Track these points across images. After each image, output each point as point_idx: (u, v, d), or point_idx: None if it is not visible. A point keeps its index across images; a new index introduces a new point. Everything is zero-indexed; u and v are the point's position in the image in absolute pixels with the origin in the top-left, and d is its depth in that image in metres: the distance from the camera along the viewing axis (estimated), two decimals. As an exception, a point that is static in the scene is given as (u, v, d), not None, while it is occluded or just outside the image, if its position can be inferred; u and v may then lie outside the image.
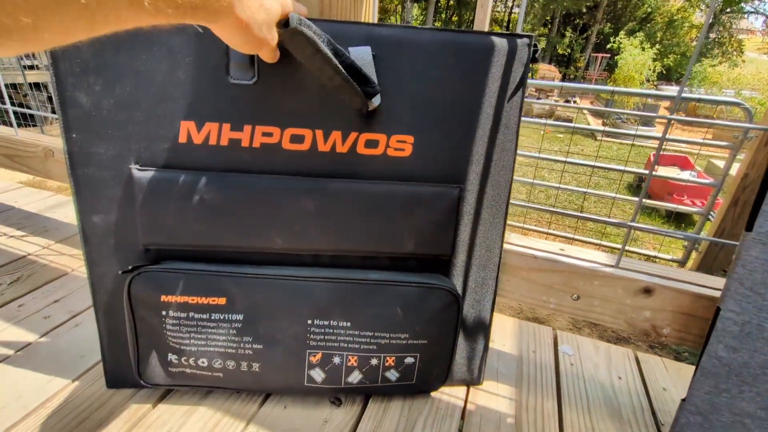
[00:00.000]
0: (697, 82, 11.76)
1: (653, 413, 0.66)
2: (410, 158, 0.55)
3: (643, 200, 0.66)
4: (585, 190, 2.95)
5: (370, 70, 0.51)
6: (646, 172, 1.58)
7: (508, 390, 0.68)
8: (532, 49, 0.53)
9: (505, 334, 0.81)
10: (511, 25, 23.48)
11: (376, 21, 0.60)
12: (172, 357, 0.58)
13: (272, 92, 0.52)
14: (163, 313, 0.55)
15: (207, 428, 0.59)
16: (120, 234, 0.55)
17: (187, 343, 0.57)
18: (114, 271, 0.57)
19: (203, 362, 0.58)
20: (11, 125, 1.03)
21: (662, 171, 4.51)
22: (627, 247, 0.63)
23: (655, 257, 2.95)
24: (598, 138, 7.15)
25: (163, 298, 0.54)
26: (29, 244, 1.01)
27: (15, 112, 1.05)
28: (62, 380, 0.65)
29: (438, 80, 0.53)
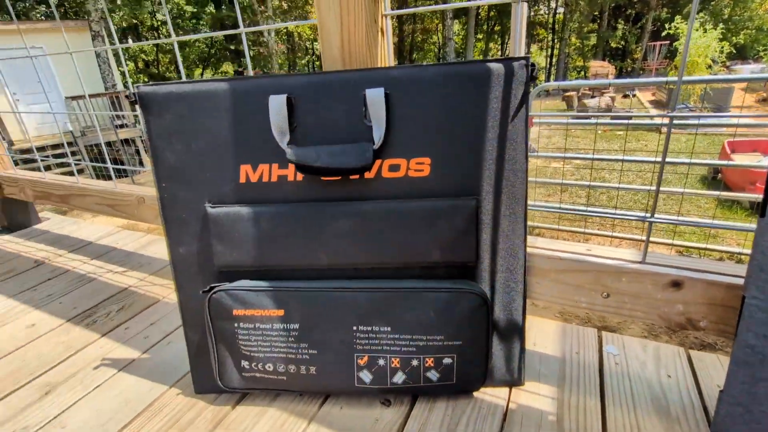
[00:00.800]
0: (778, 57, 10.50)
1: (705, 410, 0.64)
2: (429, 177, 0.62)
3: (720, 193, 0.67)
4: (649, 188, 2.77)
5: (380, 108, 0.60)
6: (714, 162, 1.48)
7: (550, 390, 0.71)
8: (529, 69, 0.59)
9: (546, 336, 0.83)
10: (556, 25, 22.79)
11: (391, 63, 0.69)
12: (244, 363, 0.69)
13: (309, 134, 0.62)
14: (236, 324, 0.66)
15: (276, 426, 0.68)
16: (200, 261, 0.68)
17: (256, 350, 0.67)
18: (197, 292, 0.69)
19: (269, 367, 0.68)
20: (110, 178, 1.26)
21: (741, 159, 4.08)
22: (707, 245, 0.64)
23: (740, 254, 2.67)
24: (662, 131, 6.65)
25: (235, 311, 0.66)
26: (129, 278, 1.22)
27: (113, 168, 1.28)
28: (160, 388, 0.78)
29: (446, 107, 0.60)
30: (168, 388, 0.78)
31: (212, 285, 0.67)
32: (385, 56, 0.68)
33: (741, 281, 0.56)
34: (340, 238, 0.65)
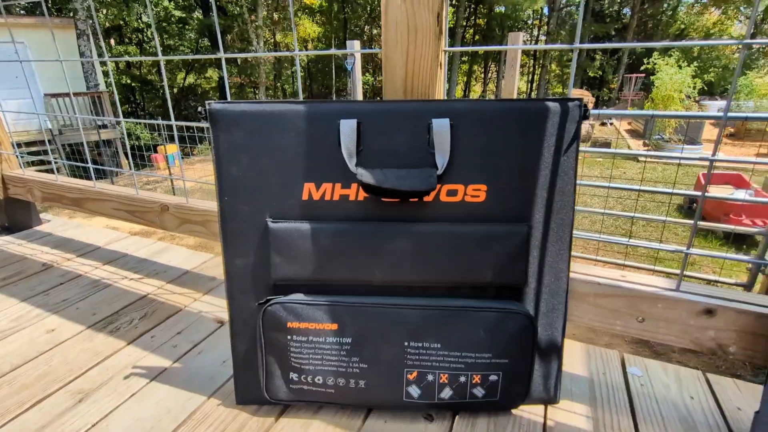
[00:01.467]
0: (744, 96, 11.27)
1: (728, 428, 0.70)
2: (485, 203, 0.67)
3: (699, 222, 0.73)
4: (633, 214, 2.91)
5: (446, 137, 0.64)
6: (696, 193, 1.59)
7: (584, 408, 0.75)
8: (582, 109, 0.65)
9: (573, 357, 0.88)
10: (538, 53, 23.70)
11: (444, 95, 0.74)
12: (293, 375, 0.70)
13: (373, 158, 0.66)
14: (288, 337, 0.68)
15: (322, 438, 0.69)
16: (256, 274, 0.70)
17: (307, 363, 0.69)
18: (249, 303, 0.71)
19: (319, 379, 0.69)
20: (89, 178, 1.25)
21: (715, 191, 4.33)
22: (686, 272, 0.69)
23: (716, 281, 2.82)
24: (640, 160, 6.98)
25: (289, 324, 0.68)
26: (147, 285, 1.20)
27: (96, 169, 1.28)
28: (200, 397, 0.78)
29: (504, 139, 0.65)
30: (207, 399, 0.78)
31: (268, 297, 0.68)
32: (441, 88, 0.72)
33: (768, 311, 0.62)
34: (396, 257, 0.68)
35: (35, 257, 1.38)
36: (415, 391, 0.69)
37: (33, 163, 8.59)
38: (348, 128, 0.64)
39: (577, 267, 0.76)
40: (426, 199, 0.67)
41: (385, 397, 0.70)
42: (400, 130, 0.65)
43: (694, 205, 4.73)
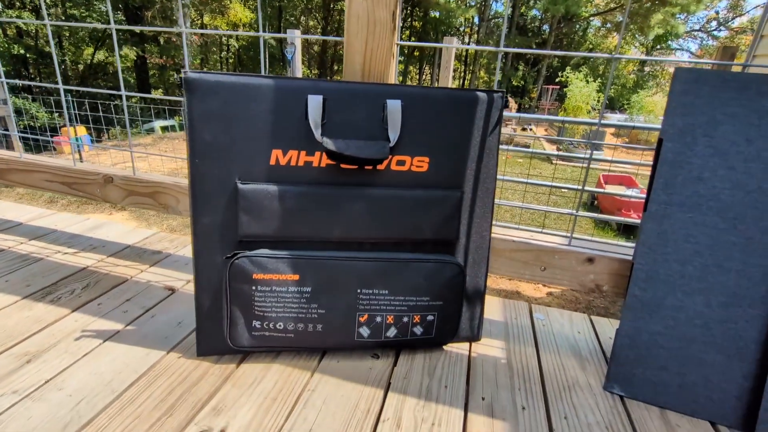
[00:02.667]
0: (636, 110, 13.07)
1: (603, 352, 0.91)
2: (427, 172, 0.80)
3: (597, 215, 0.94)
4: (547, 208, 3.34)
5: (398, 115, 0.77)
6: (602, 190, 1.92)
7: (500, 343, 0.92)
8: (503, 99, 0.81)
9: (493, 308, 1.05)
10: (468, 58, 25.07)
11: (397, 80, 0.86)
12: (256, 323, 0.78)
13: (335, 130, 0.76)
14: (253, 287, 0.76)
15: (282, 378, 0.78)
16: (222, 231, 0.76)
17: (269, 311, 0.77)
18: (215, 259, 0.77)
19: (280, 325, 0.78)
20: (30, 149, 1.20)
21: (610, 189, 5.05)
22: (573, 235, 0.90)
23: (595, 240, 3.34)
24: (553, 162, 7.81)
25: (255, 276, 0.75)
26: (84, 259, 1.17)
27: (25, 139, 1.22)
28: (158, 352, 0.82)
29: (445, 120, 0.79)
30: (166, 353, 0.82)
31: (235, 251, 0.75)
32: (393, 75, 0.84)
33: (631, 257, 0.84)
34: (352, 217, 0.79)
35: (-57, 231, 1.26)
36: (365, 331, 0.81)
37: None
38: (315, 103, 0.74)
39: (497, 230, 0.92)
40: (379, 167, 0.79)
41: (340, 338, 0.81)
42: (360, 107, 0.76)
43: (596, 201, 5.46)
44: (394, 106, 0.76)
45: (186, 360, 0.81)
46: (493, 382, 0.81)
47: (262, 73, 0.87)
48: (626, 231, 4.56)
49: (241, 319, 0.78)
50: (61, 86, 1.15)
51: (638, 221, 0.80)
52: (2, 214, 1.42)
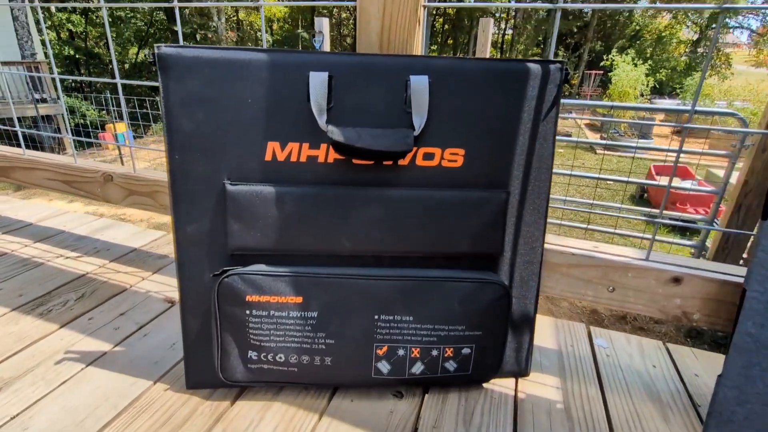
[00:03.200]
0: (690, 95, 12.06)
1: (689, 396, 0.71)
2: (462, 168, 0.63)
3: (649, 210, 0.73)
4: (592, 201, 3.03)
5: (424, 96, 0.59)
6: (655, 183, 1.66)
7: (553, 380, 0.74)
8: (563, 72, 0.62)
9: (541, 331, 0.87)
10: (505, 45, 24.16)
11: (425, 52, 0.69)
12: (252, 354, 0.64)
13: (345, 116, 0.60)
14: (247, 312, 0.62)
15: (285, 421, 0.64)
16: (210, 242, 0.62)
17: (267, 340, 0.63)
18: (202, 275, 0.64)
19: (280, 357, 0.64)
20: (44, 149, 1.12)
21: (663, 181, 4.61)
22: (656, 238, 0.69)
23: (681, 244, 3.00)
24: (598, 152, 7.30)
25: (248, 297, 0.61)
26: (86, 264, 1.08)
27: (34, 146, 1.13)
28: (144, 382, 0.70)
29: (484, 101, 0.61)
30: (153, 384, 0.70)
31: (225, 268, 0.61)
32: (419, 45, 0.67)
33: (733, 278, 0.63)
34: (367, 225, 0.63)
35: (-48, 233, 1.21)
36: (384, 366, 0.65)
37: (-41, 139, 7.72)
38: (318, 81, 0.58)
39: (550, 238, 0.74)
40: (401, 162, 0.62)
41: (353, 375, 0.66)
42: (376, 86, 0.60)
43: (645, 194, 5.02)
44: (419, 84, 0.59)
45: (174, 394, 0.68)
46: (548, 435, 0.63)
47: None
48: (681, 227, 4.15)
49: (234, 348, 0.64)
50: (118, 81, 1.06)
51: (698, 216, 0.58)
52: (14, 213, 1.38)
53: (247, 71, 0.57)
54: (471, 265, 0.67)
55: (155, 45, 0.56)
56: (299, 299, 0.62)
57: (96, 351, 0.78)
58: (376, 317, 0.63)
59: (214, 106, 0.58)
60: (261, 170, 0.61)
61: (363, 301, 0.63)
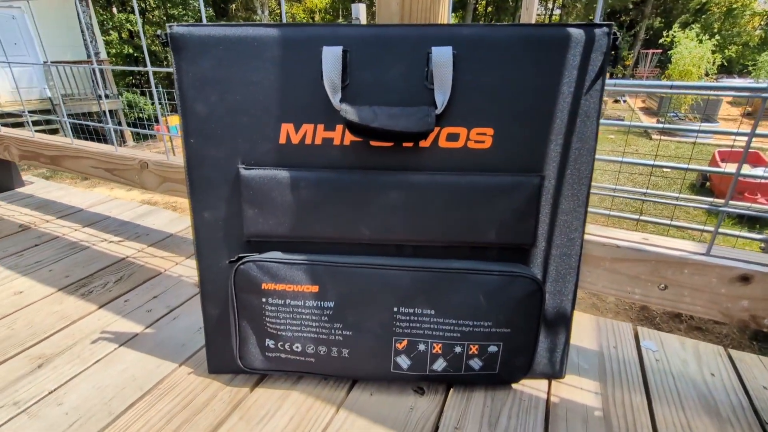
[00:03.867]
0: (765, 73, 10.83)
1: (755, 412, 0.62)
2: (490, 149, 0.57)
3: (713, 200, 0.63)
4: (644, 191, 2.79)
5: (447, 70, 0.54)
6: (719, 170, 1.48)
7: (592, 384, 0.67)
8: (611, 37, 0.54)
9: (581, 330, 0.80)
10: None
11: (450, 21, 0.63)
12: (269, 342, 0.63)
13: (361, 94, 0.56)
14: (263, 299, 0.60)
15: (301, 412, 0.63)
16: (227, 228, 0.61)
17: (284, 329, 0.61)
18: (220, 262, 0.63)
19: (297, 347, 0.62)
20: (112, 143, 1.17)
21: (730, 168, 4.20)
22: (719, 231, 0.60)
23: (750, 238, 2.73)
24: (653, 137, 6.76)
25: (264, 285, 0.60)
26: (126, 248, 1.13)
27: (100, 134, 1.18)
28: (169, 365, 0.72)
29: (517, 73, 0.55)
30: (178, 366, 0.71)
31: (240, 255, 0.60)
32: (446, 14, 0.62)
33: (818, 278, 0.54)
34: (386, 212, 0.59)
35: (12, 218, 1.31)
36: (404, 361, 0.62)
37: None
38: (332, 56, 0.54)
39: (591, 228, 0.67)
40: (422, 144, 0.58)
41: (371, 368, 0.63)
42: (395, 60, 0.55)
43: (708, 183, 4.59)
44: (441, 57, 0.53)
45: (196, 378, 0.69)
46: (583, 445, 0.57)
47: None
48: (750, 219, 3.75)
49: (252, 336, 0.63)
50: (149, 69, 1.10)
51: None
52: (68, 200, 1.47)
53: (258, 48, 0.55)
54: (499, 257, 0.61)
55: (168, 25, 0.55)
56: (315, 288, 0.60)
57: (129, 332, 0.80)
58: (396, 309, 0.60)
59: (227, 87, 0.56)
60: (275, 154, 0.58)
61: (382, 292, 0.60)
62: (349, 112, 0.52)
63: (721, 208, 0.61)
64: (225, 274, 0.63)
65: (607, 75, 0.56)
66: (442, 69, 0.54)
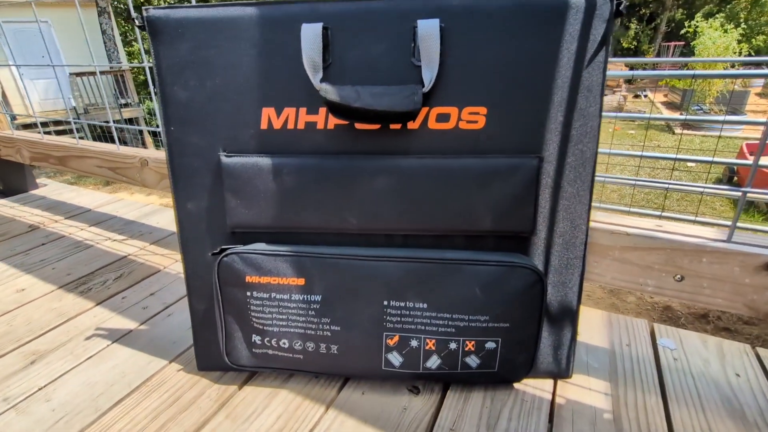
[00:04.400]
0: (796, 63, 10.31)
1: (787, 415, 0.56)
2: (484, 130, 0.53)
3: (746, 191, 0.58)
4: (668, 182, 2.67)
5: (434, 44, 0.50)
6: (742, 161, 1.39)
7: (602, 385, 0.62)
8: (614, 3, 0.50)
9: (592, 327, 0.75)
10: None
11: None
12: (255, 338, 0.60)
13: (345, 73, 0.53)
14: (248, 293, 0.58)
15: (289, 410, 0.60)
16: (210, 219, 0.59)
17: (270, 324, 0.59)
18: (205, 255, 0.61)
19: (284, 343, 0.59)
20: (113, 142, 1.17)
21: (763, 161, 3.99)
22: (738, 224, 0.55)
23: None
24: (676, 132, 6.51)
25: (248, 278, 0.57)
26: (129, 246, 1.13)
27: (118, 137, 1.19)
28: (159, 362, 0.70)
29: (511, 46, 0.51)
30: (168, 363, 0.70)
31: (223, 247, 0.58)
32: (436, -11, 0.58)
33: None
34: (374, 199, 0.56)
35: (23, 219, 1.33)
36: (395, 358, 0.58)
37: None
38: (311, 34, 0.51)
39: (598, 215, 0.62)
40: (411, 126, 0.54)
41: (361, 365, 0.59)
42: (378, 36, 0.52)
43: (735, 177, 4.38)
44: (427, 30, 0.50)
45: (185, 374, 0.67)
46: (591, 450, 0.53)
47: None
48: (783, 214, 3.56)
49: (238, 332, 0.61)
50: (146, 65, 1.11)
51: None
52: (78, 201, 1.48)
53: (235, 29, 0.52)
54: (497, 246, 0.57)
55: (144, 8, 0.53)
56: (301, 281, 0.57)
57: (123, 329, 0.79)
58: (386, 303, 0.56)
59: (206, 71, 0.54)
60: (257, 140, 0.56)
61: (371, 284, 0.56)
62: (329, 91, 0.49)
63: (742, 189, 0.55)
64: (209, 267, 0.61)
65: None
66: (428, 43, 0.50)
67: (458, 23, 0.51)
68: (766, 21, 16.36)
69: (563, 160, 0.54)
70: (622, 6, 0.49)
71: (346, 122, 0.54)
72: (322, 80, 0.52)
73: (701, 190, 0.60)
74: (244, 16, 0.52)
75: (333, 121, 0.54)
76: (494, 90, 0.52)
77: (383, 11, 0.51)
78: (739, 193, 0.58)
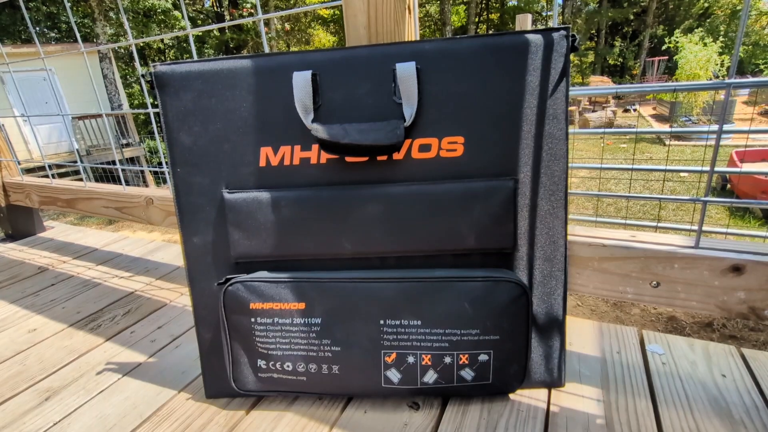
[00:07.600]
0: (778, 70, 10.59)
1: (771, 411, 0.58)
2: (463, 157, 0.58)
3: (734, 200, 0.62)
4: (660, 196, 2.73)
5: (412, 83, 0.56)
6: (733, 170, 1.44)
7: (594, 391, 0.65)
8: (569, 39, 0.56)
9: (583, 336, 0.77)
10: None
11: (417, 38, 0.66)
12: (261, 362, 0.63)
13: (333, 113, 0.59)
14: (252, 319, 0.61)
15: None
16: (215, 251, 0.64)
17: (273, 348, 0.62)
18: (211, 285, 0.65)
19: (288, 366, 0.62)
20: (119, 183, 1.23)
21: (750, 168, 4.05)
22: (704, 228, 0.59)
23: (741, 235, 2.60)
24: (667, 143, 6.63)
25: (252, 305, 0.61)
26: (135, 282, 1.17)
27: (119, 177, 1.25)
28: (169, 392, 0.73)
29: (482, 82, 0.57)
30: (177, 393, 0.72)
31: (228, 276, 0.62)
32: (412, 33, 0.65)
33: (811, 263, 0.51)
34: (366, 225, 0.60)
35: (32, 261, 1.37)
36: (394, 375, 0.61)
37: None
38: (302, 81, 0.57)
39: (577, 230, 0.66)
40: (396, 156, 0.59)
41: (362, 384, 0.62)
42: (361, 79, 0.58)
43: (728, 185, 4.44)
44: (405, 71, 0.56)
45: (194, 403, 0.70)
46: (585, 455, 0.55)
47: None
48: (778, 218, 3.59)
49: (243, 357, 0.64)
50: (150, 111, 1.19)
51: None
52: (85, 241, 1.53)
53: (233, 79, 0.59)
54: (483, 263, 0.61)
55: (153, 64, 0.59)
56: (302, 305, 0.61)
57: (132, 362, 0.82)
58: (382, 322, 0.60)
59: (208, 117, 0.60)
60: (256, 177, 0.61)
61: (367, 305, 0.60)
62: (320, 130, 0.55)
63: (702, 200, 0.59)
64: (215, 297, 0.65)
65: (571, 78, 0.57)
66: (406, 83, 0.56)
67: (432, 64, 0.57)
68: (746, 32, 16.90)
69: (537, 181, 0.59)
70: (577, 42, 0.55)
71: (337, 156, 0.59)
72: (313, 120, 0.58)
73: (660, 197, 0.64)
74: (241, 68, 0.59)
75: (325, 156, 0.60)
76: (470, 121, 0.58)
77: (365, 57, 0.58)
78: (724, 200, 0.63)
